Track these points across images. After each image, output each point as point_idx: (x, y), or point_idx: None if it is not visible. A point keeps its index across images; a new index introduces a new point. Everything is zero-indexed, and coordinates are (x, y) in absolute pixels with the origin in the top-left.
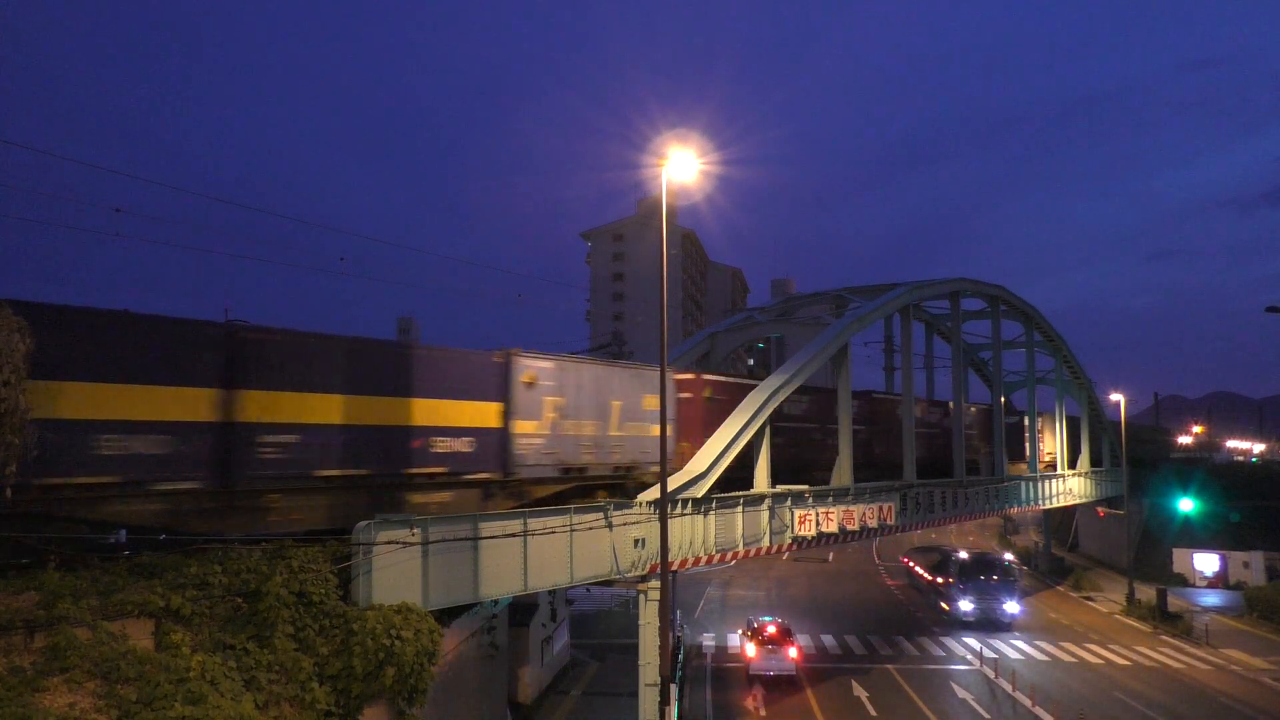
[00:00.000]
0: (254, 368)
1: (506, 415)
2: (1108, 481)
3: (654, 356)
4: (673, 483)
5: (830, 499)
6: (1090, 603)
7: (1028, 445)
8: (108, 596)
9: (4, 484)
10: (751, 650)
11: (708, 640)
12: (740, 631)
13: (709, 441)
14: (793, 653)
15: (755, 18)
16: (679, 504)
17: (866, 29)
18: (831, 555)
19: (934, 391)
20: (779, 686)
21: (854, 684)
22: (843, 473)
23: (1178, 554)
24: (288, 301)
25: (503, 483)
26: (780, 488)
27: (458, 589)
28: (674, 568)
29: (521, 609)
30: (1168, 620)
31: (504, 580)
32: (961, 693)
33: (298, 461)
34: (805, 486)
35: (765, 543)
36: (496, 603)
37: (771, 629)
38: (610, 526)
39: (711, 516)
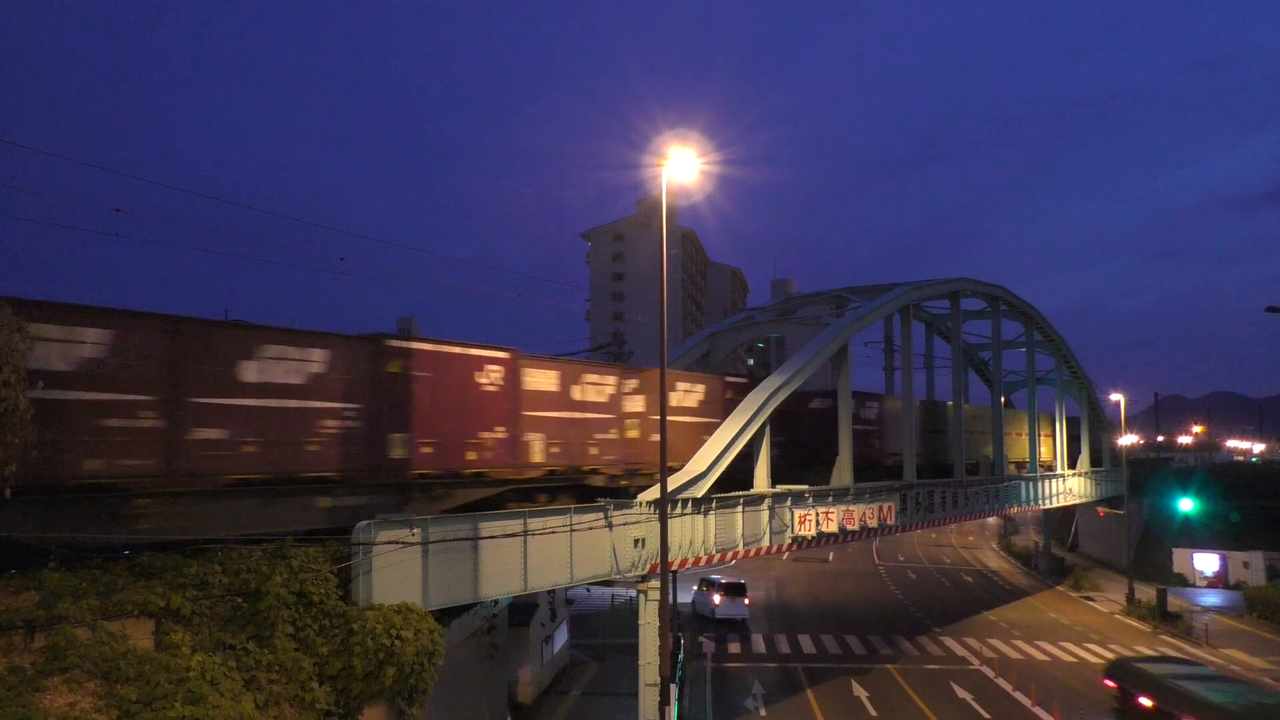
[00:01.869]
0: None
1: None
2: (1108, 481)
3: (654, 356)
4: (671, 483)
5: (830, 499)
6: (1090, 602)
7: (878, 440)
8: (108, 596)
9: (4, 484)
10: (717, 599)
11: (707, 640)
12: (696, 587)
13: (710, 441)
14: (745, 602)
15: (755, 18)
16: (679, 504)
17: (867, 30)
18: (831, 555)
19: (934, 392)
20: (778, 686)
21: (854, 684)
22: (842, 473)
23: (1178, 554)
24: (288, 301)
25: None
26: (780, 487)
27: (458, 589)
28: (674, 567)
29: (521, 609)
30: (1168, 620)
31: (504, 580)
32: (961, 693)
33: None
34: (805, 486)
35: (765, 543)
36: (496, 603)
37: (730, 584)
38: (610, 526)
39: (711, 516)
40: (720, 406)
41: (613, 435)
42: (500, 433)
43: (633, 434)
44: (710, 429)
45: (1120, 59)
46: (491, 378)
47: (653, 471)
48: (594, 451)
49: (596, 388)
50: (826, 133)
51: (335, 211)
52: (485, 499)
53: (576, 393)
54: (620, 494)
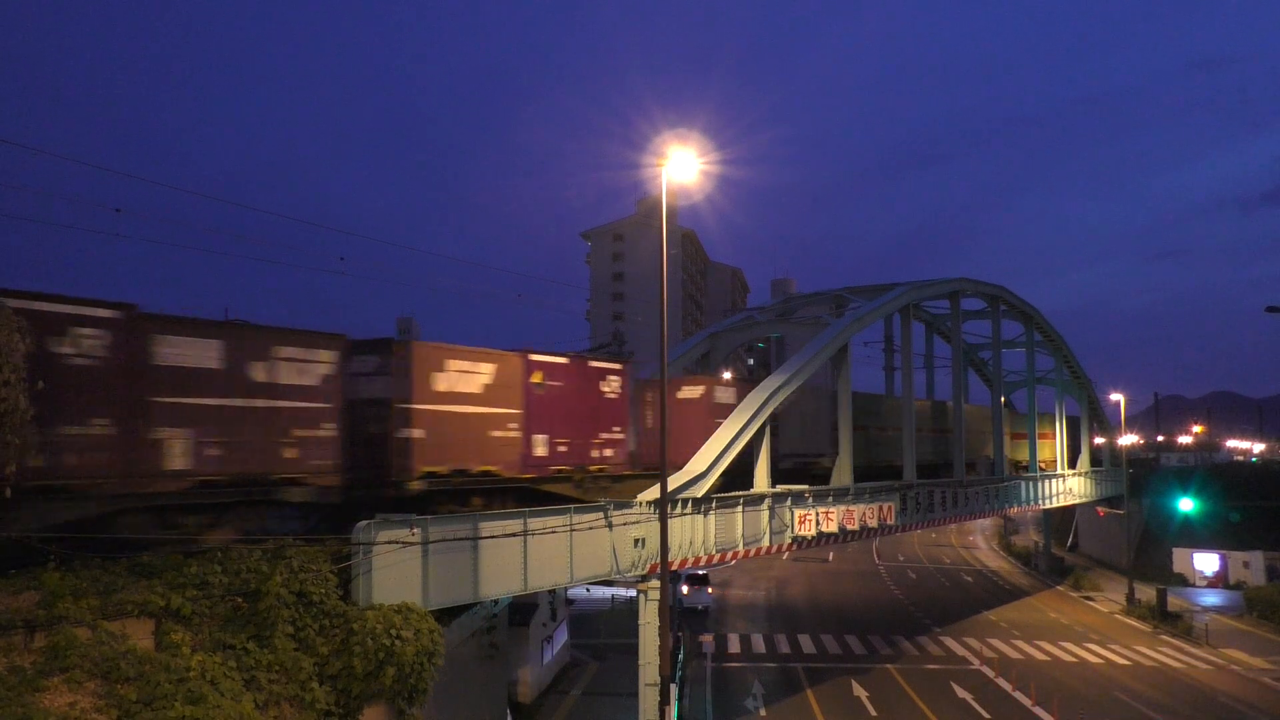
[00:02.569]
0: None
1: None
2: (1108, 481)
3: (654, 356)
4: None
5: (830, 499)
6: (1090, 602)
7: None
8: (108, 596)
9: (4, 484)
10: (685, 590)
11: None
12: None
13: (710, 441)
14: (709, 591)
15: (755, 18)
16: (679, 504)
17: (867, 30)
18: (831, 555)
19: (934, 391)
20: (778, 686)
21: (854, 684)
22: (842, 473)
23: (1178, 554)
24: (289, 302)
25: None
26: (780, 487)
27: (458, 589)
28: (674, 567)
29: (521, 609)
30: (1167, 620)
31: (504, 580)
32: (961, 693)
33: None
34: (805, 486)
35: (765, 543)
36: (496, 602)
37: (696, 576)
38: (610, 526)
39: (711, 516)
40: (521, 393)
41: (327, 431)
42: (103, 427)
43: (372, 429)
44: (504, 421)
45: (1120, 59)
46: (87, 346)
47: (405, 479)
48: (292, 454)
49: (300, 365)
50: (826, 133)
51: (335, 211)
52: (73, 522)
53: (260, 372)
54: (347, 510)
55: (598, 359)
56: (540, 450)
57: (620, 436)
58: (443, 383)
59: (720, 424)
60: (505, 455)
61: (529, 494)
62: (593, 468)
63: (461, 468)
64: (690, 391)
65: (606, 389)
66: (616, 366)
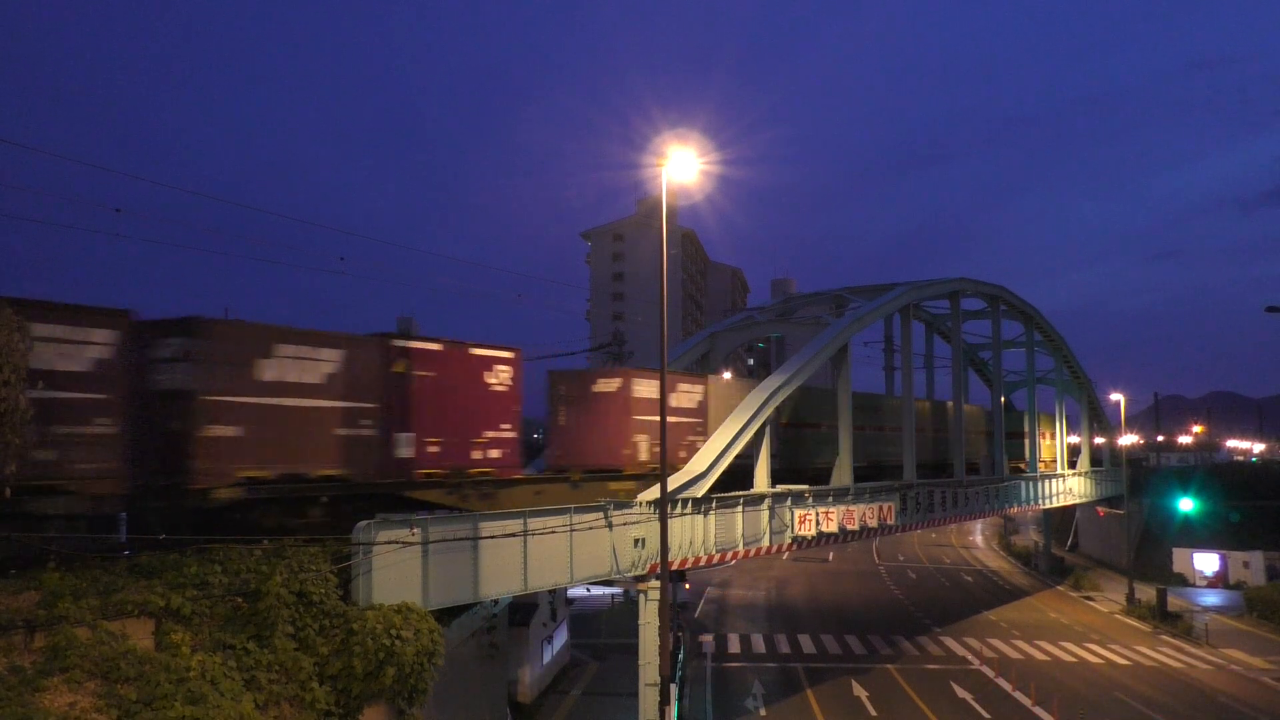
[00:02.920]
0: None
1: None
2: (1108, 481)
3: (655, 356)
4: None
5: (830, 499)
6: (1090, 602)
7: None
8: (108, 596)
9: (4, 484)
10: None
11: (707, 640)
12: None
13: (709, 441)
14: (686, 586)
15: (755, 18)
16: (679, 504)
17: (868, 29)
18: (831, 555)
19: (934, 391)
20: (778, 686)
21: (854, 684)
22: (843, 473)
23: (1178, 554)
24: (289, 302)
25: None
26: (780, 487)
27: (458, 589)
28: (674, 567)
29: (521, 609)
30: (1168, 620)
31: (504, 580)
32: (961, 692)
33: None
34: (805, 486)
35: (765, 543)
36: (496, 602)
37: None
38: (610, 526)
39: (711, 516)
40: (379, 384)
41: (103, 428)
42: None
43: (174, 426)
44: (355, 417)
45: (1120, 59)
46: None
47: (214, 485)
48: (46, 456)
49: (62, 348)
50: (826, 133)
51: (335, 211)
52: None
53: None
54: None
55: (483, 345)
56: (404, 451)
57: (510, 435)
58: (270, 371)
59: (639, 420)
60: (357, 457)
61: (391, 502)
62: (473, 471)
63: (295, 471)
64: (606, 385)
65: (493, 380)
66: (506, 355)
